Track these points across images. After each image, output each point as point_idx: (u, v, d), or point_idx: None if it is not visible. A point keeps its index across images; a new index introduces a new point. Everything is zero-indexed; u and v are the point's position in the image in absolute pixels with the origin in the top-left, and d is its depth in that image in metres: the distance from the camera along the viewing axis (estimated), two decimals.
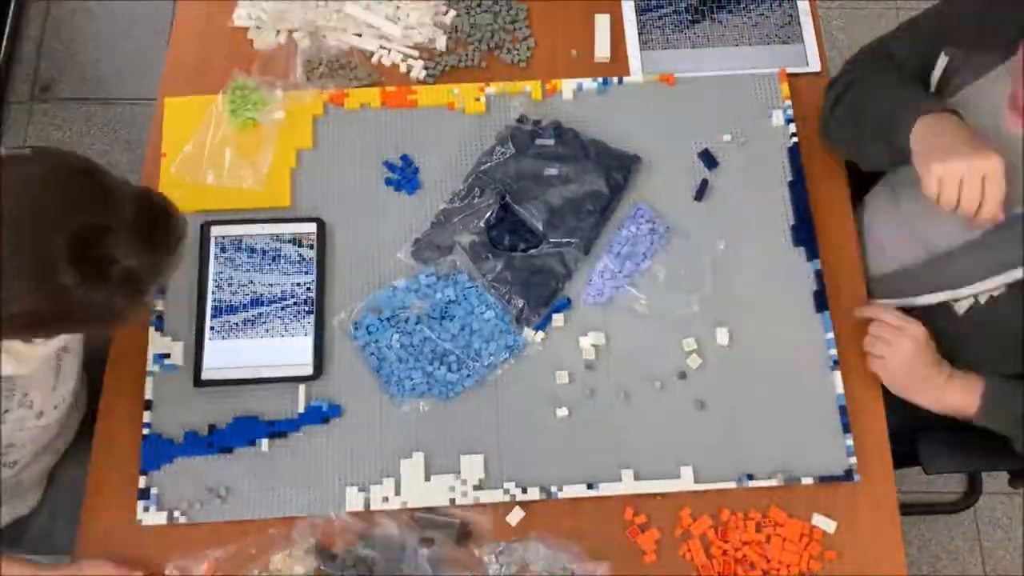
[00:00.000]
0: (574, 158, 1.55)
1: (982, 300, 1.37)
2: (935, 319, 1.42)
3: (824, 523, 1.38)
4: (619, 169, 1.56)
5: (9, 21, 2.59)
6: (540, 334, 1.46)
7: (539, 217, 1.51)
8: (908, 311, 1.43)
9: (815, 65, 1.68)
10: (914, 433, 1.47)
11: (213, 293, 1.47)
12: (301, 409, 1.42)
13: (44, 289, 1.00)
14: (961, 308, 1.40)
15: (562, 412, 1.43)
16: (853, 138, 1.48)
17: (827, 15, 2.48)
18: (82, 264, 1.00)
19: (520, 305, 1.46)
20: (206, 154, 1.56)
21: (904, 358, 1.40)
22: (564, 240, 1.50)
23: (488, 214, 1.52)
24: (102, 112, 2.61)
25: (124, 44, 2.67)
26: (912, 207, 1.45)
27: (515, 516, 1.37)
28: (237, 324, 1.45)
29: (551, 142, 1.56)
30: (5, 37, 2.56)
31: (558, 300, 1.49)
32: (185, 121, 1.59)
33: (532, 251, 1.50)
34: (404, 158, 1.58)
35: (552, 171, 1.54)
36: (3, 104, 2.58)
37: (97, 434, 1.41)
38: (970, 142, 1.24)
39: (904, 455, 1.49)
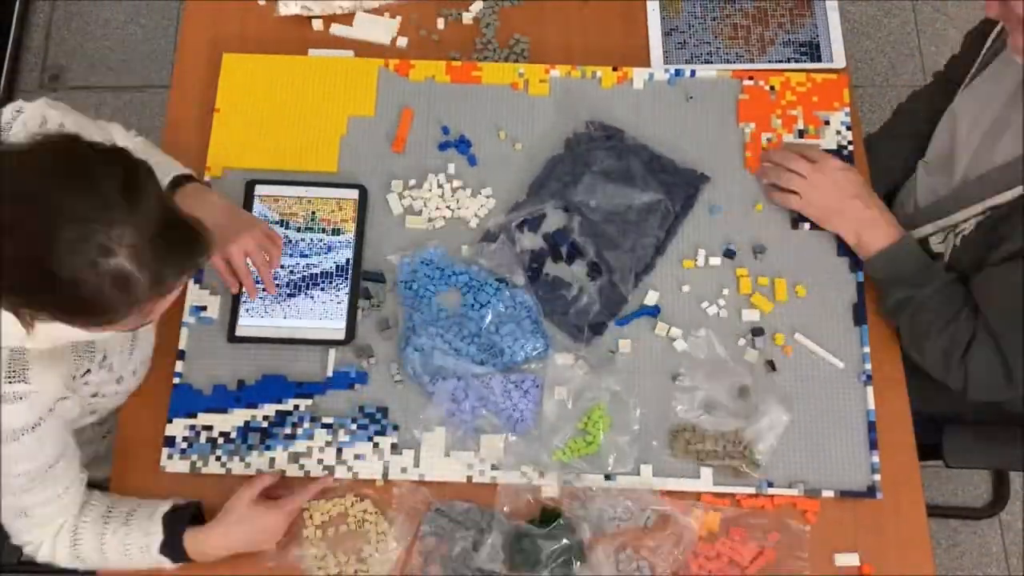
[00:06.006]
0: (640, 175, 1.53)
1: (958, 241, 1.41)
2: None
3: (847, 559, 1.37)
4: (685, 188, 1.53)
5: (16, 10, 2.57)
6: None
7: (599, 236, 1.49)
8: None
9: (840, 62, 1.65)
10: (938, 426, 1.46)
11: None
12: (329, 373, 1.44)
13: (32, 254, 0.96)
14: (946, 257, 1.44)
15: (583, 403, 1.42)
16: None
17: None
18: (77, 241, 0.95)
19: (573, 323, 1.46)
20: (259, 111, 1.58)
21: (829, 186, 1.47)
22: (623, 263, 1.49)
23: (548, 227, 1.51)
24: (112, 99, 2.59)
25: (133, 30, 2.66)
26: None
27: (551, 492, 1.38)
28: (275, 282, 1.47)
29: (615, 161, 1.54)
30: (13, 26, 2.55)
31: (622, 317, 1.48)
32: (241, 78, 1.61)
33: (589, 272, 1.49)
34: (461, 137, 1.58)
35: (616, 188, 1.51)
36: (13, 93, 2.55)
37: None
38: None
39: (925, 448, 1.47)
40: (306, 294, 1.47)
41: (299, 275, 1.48)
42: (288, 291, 1.47)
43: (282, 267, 1.47)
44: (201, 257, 1.08)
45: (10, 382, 1.11)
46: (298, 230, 1.50)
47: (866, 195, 1.47)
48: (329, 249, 1.49)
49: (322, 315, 1.46)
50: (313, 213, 1.51)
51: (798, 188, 1.49)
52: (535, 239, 1.51)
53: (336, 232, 1.50)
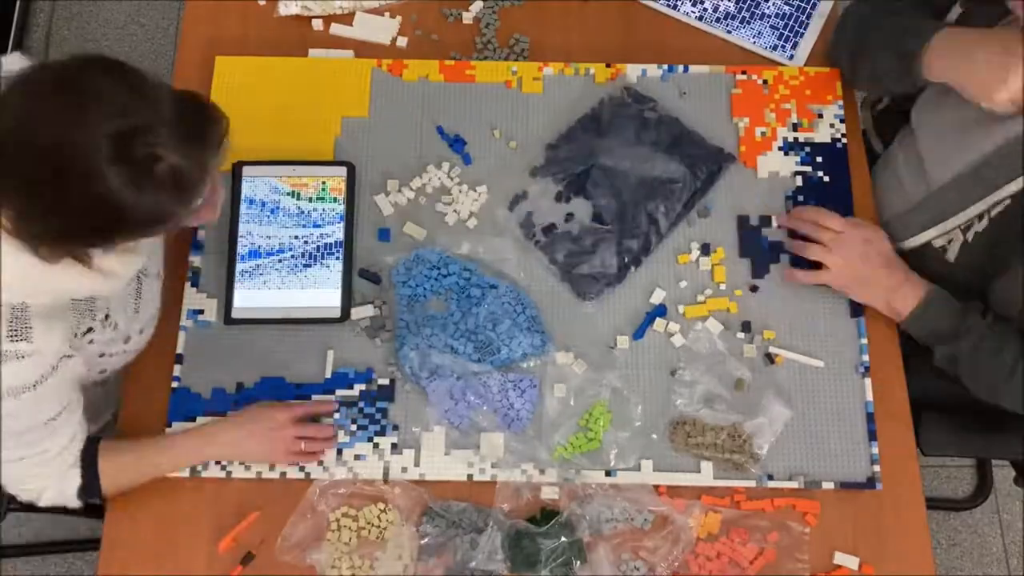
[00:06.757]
0: (665, 147, 1.54)
1: (970, 238, 1.36)
2: (930, 271, 1.42)
3: (847, 560, 1.36)
4: (709, 164, 1.54)
5: (17, 10, 2.57)
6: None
7: (612, 202, 1.51)
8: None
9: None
10: (915, 413, 1.46)
11: (243, 236, 1.48)
12: (328, 374, 1.44)
13: (92, 196, 0.98)
14: (952, 254, 1.40)
15: (584, 400, 1.42)
16: (859, 51, 1.50)
17: None
18: (126, 164, 0.97)
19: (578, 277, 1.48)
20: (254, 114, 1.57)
21: (856, 258, 1.40)
22: (633, 232, 1.50)
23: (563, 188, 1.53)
24: None
25: (133, 30, 2.65)
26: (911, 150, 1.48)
27: (550, 491, 1.38)
28: (268, 262, 1.47)
29: (642, 129, 1.55)
30: (13, 26, 2.55)
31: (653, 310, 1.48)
32: (234, 80, 1.61)
33: (596, 237, 1.50)
34: (456, 136, 1.58)
35: (640, 156, 1.53)
36: None
37: (127, 385, 1.43)
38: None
39: None
40: (300, 269, 1.47)
41: (313, 245, 1.48)
42: (304, 262, 1.47)
43: (296, 238, 1.48)
44: (221, 121, 1.08)
45: (12, 340, 1.10)
46: (309, 200, 1.50)
47: (893, 262, 1.41)
48: (319, 226, 1.49)
49: (316, 293, 1.46)
50: (324, 183, 1.51)
51: (822, 259, 1.43)
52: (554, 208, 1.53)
53: (328, 209, 1.50)
